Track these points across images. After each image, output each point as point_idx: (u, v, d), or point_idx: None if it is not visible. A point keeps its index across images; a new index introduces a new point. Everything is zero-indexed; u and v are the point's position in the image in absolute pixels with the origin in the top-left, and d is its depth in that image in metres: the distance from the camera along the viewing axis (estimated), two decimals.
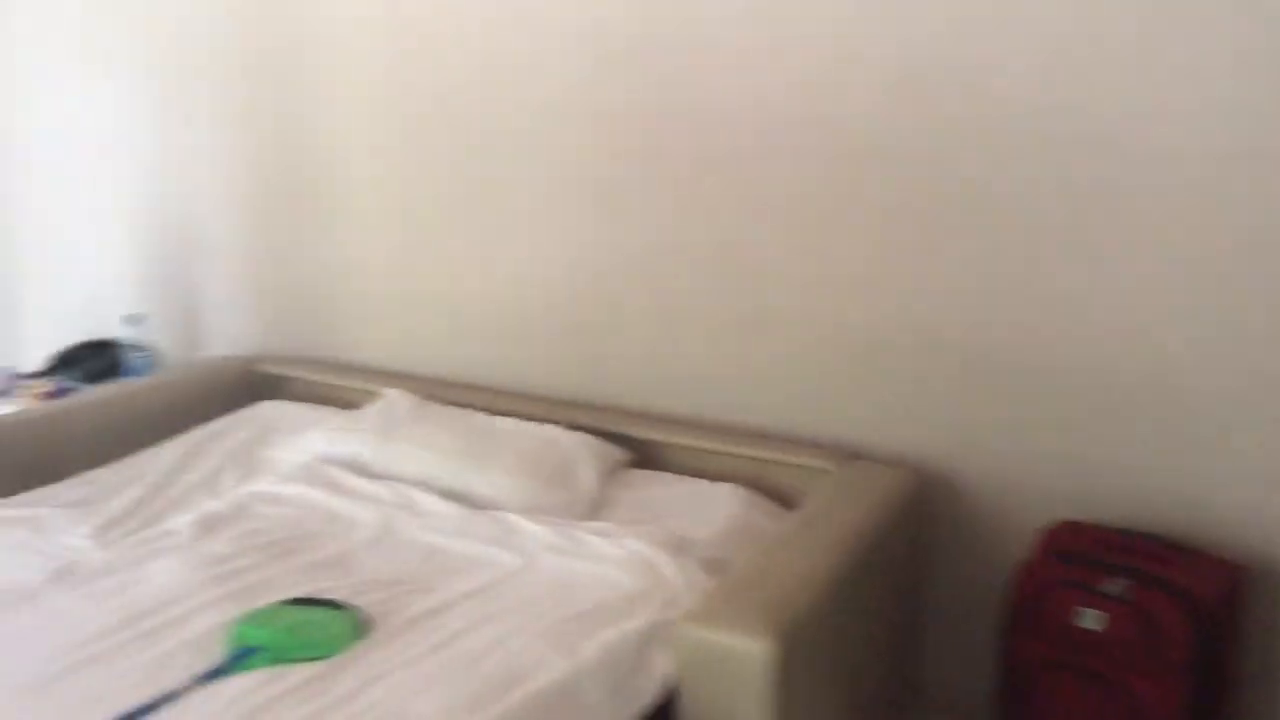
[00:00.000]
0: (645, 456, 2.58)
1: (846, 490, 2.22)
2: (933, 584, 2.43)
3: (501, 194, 2.80)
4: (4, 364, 3.42)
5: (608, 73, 2.57)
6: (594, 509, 2.35)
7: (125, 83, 3.30)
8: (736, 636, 1.65)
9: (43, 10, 3.38)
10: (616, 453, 2.54)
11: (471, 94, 2.78)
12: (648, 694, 1.73)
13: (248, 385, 3.08)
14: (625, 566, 2.02)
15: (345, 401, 2.96)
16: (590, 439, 2.54)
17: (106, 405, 2.85)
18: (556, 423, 2.61)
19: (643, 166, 2.59)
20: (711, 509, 2.30)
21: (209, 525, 2.19)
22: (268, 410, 2.91)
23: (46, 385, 3.13)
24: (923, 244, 2.29)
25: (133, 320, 3.17)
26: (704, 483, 2.43)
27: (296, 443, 2.62)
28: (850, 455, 2.43)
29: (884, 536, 2.11)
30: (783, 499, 2.41)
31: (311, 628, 1.78)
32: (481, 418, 2.66)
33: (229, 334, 3.30)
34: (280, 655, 1.71)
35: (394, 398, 2.75)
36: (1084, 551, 2.06)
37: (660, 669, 1.76)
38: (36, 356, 3.43)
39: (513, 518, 2.25)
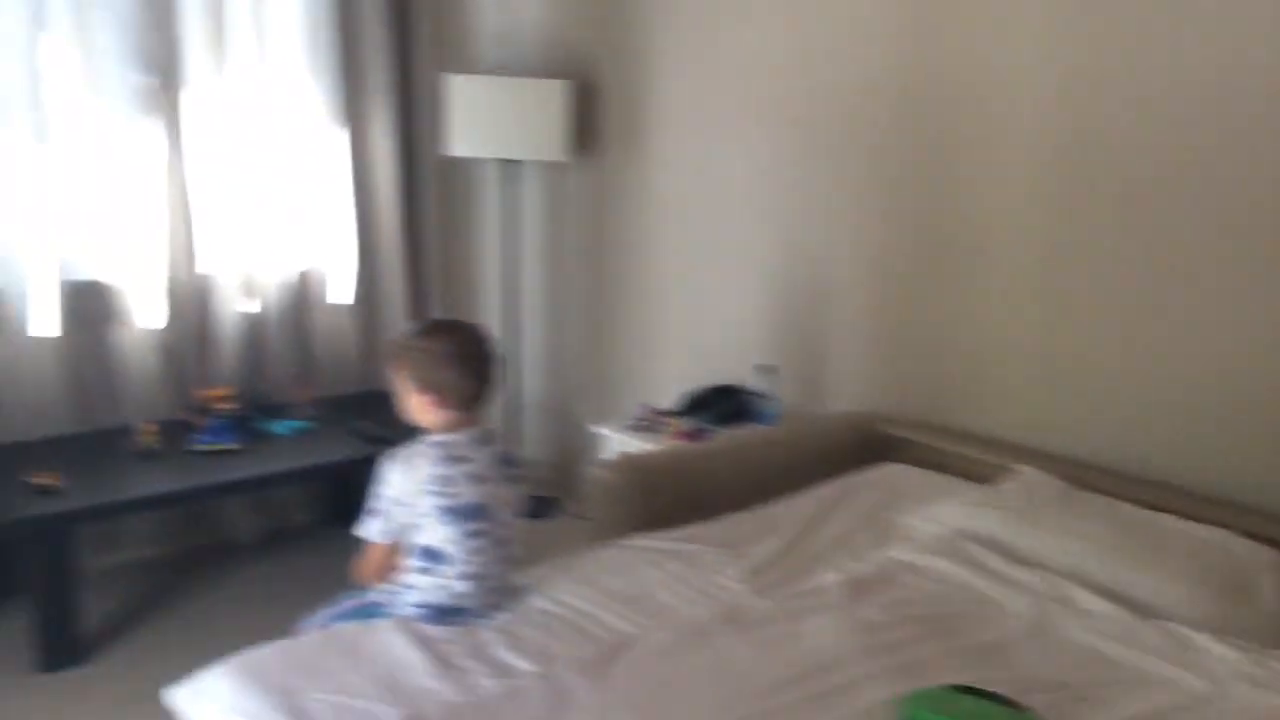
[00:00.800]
0: None
1: None
2: None
3: (1155, 266, 2.57)
4: (644, 400, 3.74)
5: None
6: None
7: (774, 136, 3.47)
8: None
9: (708, 67, 3.67)
10: None
11: (1131, 160, 2.58)
12: None
13: (868, 444, 3.08)
14: None
15: (969, 473, 2.85)
16: (1274, 552, 2.21)
17: (742, 451, 3.00)
18: (1227, 526, 2.31)
19: None
20: None
21: (857, 588, 2.19)
22: (894, 473, 2.89)
23: (683, 424, 3.37)
24: None
25: (765, 370, 3.31)
26: None
27: (930, 512, 2.56)
28: None
29: None
30: None
31: None
32: (1135, 510, 2.42)
33: (849, 391, 3.35)
34: None
35: (1032, 476, 2.60)
36: None
37: None
38: (669, 394, 3.71)
39: (1187, 632, 2.00)
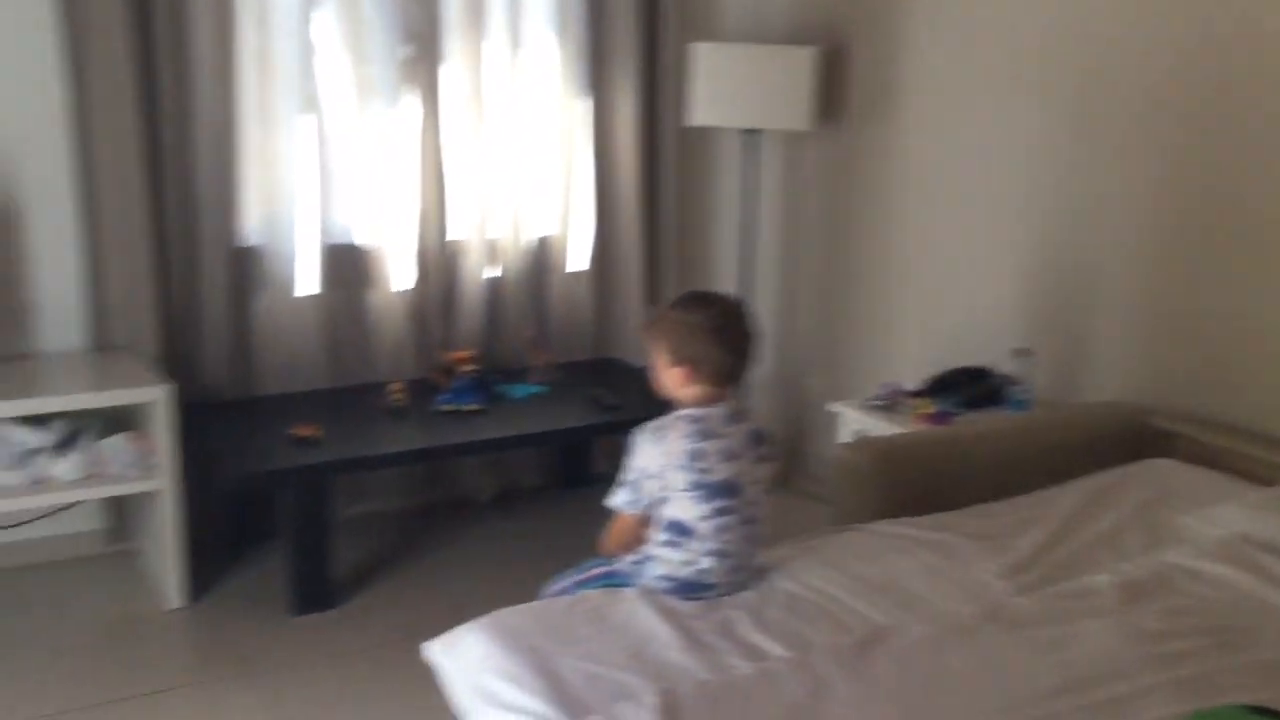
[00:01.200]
0: None
1: None
2: None
3: None
4: (881, 379, 3.61)
5: None
6: None
7: (1036, 104, 3.27)
8: None
9: (965, 31, 3.49)
10: None
11: None
12: None
13: (1132, 437, 2.88)
14: None
15: (1246, 472, 2.62)
16: None
17: (995, 438, 2.86)
18: None
19: None
20: None
21: (1132, 592, 2.04)
22: (1163, 469, 2.68)
23: (928, 407, 3.23)
24: None
25: (1021, 354, 3.14)
26: None
27: (1209, 513, 2.37)
28: None
29: None
30: None
31: None
32: None
33: (1111, 379, 3.13)
34: None
35: None
36: None
37: None
38: (908, 374, 3.57)
39: None
